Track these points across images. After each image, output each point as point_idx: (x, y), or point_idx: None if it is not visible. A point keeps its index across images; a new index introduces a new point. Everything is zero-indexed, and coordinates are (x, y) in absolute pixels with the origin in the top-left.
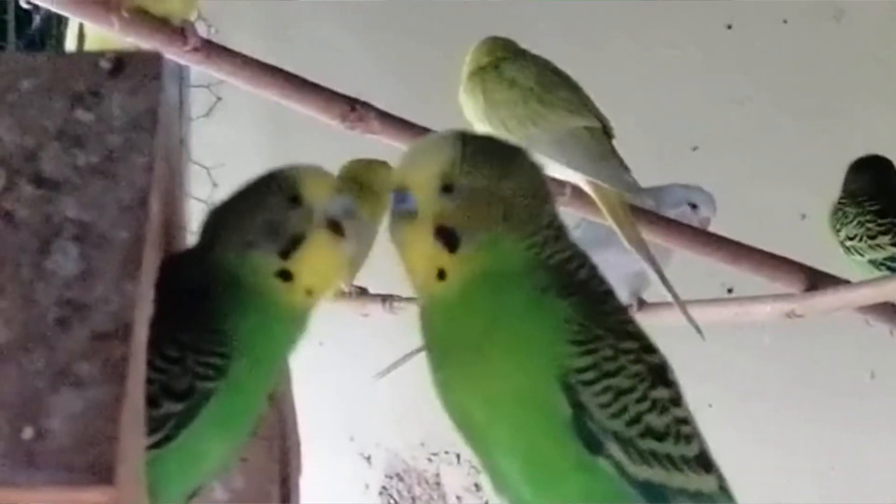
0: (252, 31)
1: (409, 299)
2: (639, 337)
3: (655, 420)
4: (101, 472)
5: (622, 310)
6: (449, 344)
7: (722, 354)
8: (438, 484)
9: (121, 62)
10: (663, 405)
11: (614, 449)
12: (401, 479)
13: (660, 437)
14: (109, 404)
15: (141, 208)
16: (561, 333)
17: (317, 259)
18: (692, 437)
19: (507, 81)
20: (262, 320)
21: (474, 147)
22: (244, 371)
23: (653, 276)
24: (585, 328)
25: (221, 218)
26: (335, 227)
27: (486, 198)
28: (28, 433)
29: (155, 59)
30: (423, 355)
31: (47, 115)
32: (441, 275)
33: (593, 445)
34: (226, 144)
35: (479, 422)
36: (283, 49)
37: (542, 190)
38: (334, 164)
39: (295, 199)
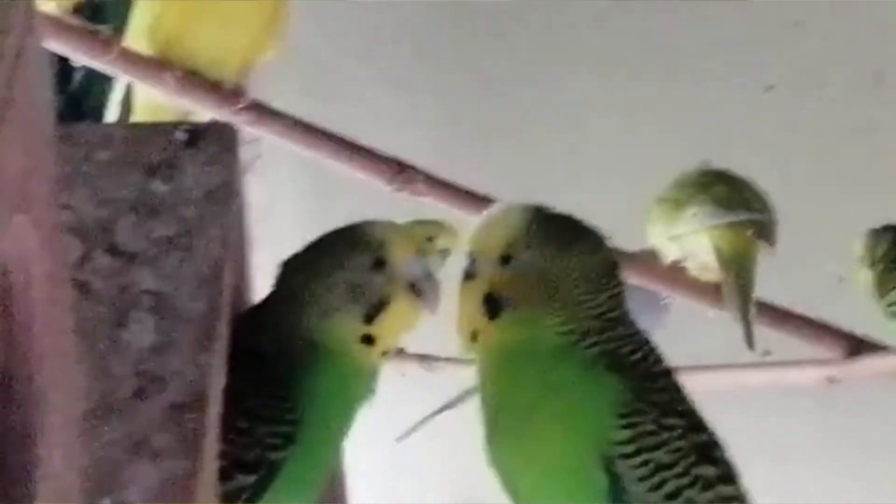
0: (296, 91)
1: (448, 359)
2: (688, 415)
3: (696, 496)
4: None
5: (676, 389)
6: (500, 410)
7: (762, 418)
8: None
9: (196, 134)
10: (707, 481)
11: None
12: None
13: None
14: (185, 476)
15: (215, 281)
16: (606, 405)
17: (398, 322)
18: None
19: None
20: (340, 383)
21: (541, 223)
22: (314, 436)
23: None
24: (630, 402)
25: (299, 278)
26: (414, 290)
27: (538, 275)
28: None
29: (229, 131)
30: (450, 412)
31: (123, 186)
32: (474, 336)
33: None
34: (265, 200)
35: (525, 488)
36: (326, 109)
37: (601, 278)
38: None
39: (379, 262)
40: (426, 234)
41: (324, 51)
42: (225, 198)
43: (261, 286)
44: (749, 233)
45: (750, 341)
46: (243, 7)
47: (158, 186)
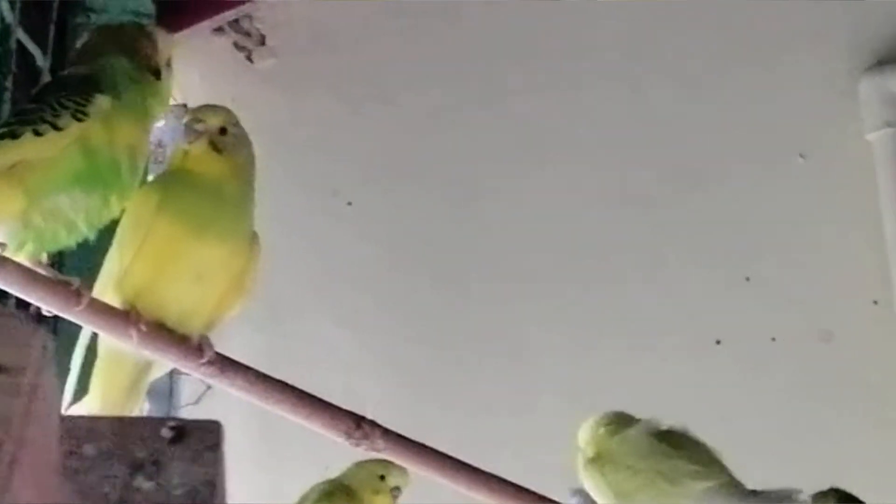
0: (249, 326)
1: None
2: None
3: None
4: None
5: None
6: None
7: None
8: None
9: (182, 430)
10: None
11: None
12: None
13: None
14: None
15: None
16: None
17: None
18: None
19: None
20: None
21: None
22: None
23: None
24: None
25: None
26: None
27: None
28: None
29: (215, 428)
30: None
31: (108, 482)
32: None
33: None
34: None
35: None
36: (279, 346)
37: None
38: (322, 458)
39: None
40: (378, 473)
41: (280, 289)
42: (208, 496)
43: None
44: None
45: None
46: (214, 264)
47: (143, 483)
